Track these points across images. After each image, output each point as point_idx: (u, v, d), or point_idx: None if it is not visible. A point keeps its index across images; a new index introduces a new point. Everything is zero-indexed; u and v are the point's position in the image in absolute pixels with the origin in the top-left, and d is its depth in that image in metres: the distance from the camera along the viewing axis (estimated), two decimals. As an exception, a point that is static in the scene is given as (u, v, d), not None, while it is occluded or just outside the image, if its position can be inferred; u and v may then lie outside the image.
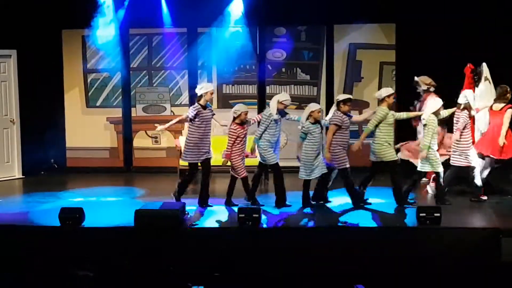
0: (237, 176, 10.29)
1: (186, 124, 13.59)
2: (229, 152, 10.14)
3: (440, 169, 10.18)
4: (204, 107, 10.34)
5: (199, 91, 10.38)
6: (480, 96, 10.68)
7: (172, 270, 7.63)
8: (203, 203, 10.42)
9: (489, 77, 10.82)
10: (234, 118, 10.17)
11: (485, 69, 10.86)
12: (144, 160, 13.86)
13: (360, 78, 13.58)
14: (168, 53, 13.76)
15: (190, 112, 10.32)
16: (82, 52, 13.79)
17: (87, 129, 13.84)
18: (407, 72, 13.03)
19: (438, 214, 8.99)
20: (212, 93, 10.45)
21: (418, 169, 10.29)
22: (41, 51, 13.35)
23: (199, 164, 10.43)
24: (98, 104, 13.89)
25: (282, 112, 10.36)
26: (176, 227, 9.11)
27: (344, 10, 12.98)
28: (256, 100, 13.62)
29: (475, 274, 8.37)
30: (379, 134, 10.14)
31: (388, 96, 10.22)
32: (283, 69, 13.69)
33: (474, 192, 10.49)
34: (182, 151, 10.57)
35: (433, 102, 10.33)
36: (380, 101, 10.26)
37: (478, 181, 10.39)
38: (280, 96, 10.48)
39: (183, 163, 12.14)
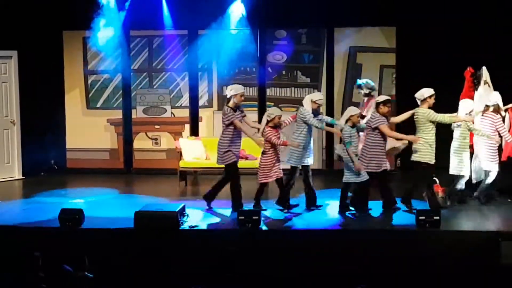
0: (258, 179, 10.10)
1: (187, 126, 13.70)
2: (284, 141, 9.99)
3: (464, 173, 10.18)
4: (235, 109, 10.18)
5: (229, 92, 10.23)
6: (479, 100, 10.66)
7: (172, 272, 7.64)
8: (209, 200, 10.36)
9: (488, 80, 10.81)
10: (268, 122, 10.02)
11: (484, 72, 10.85)
12: (144, 161, 13.87)
13: (360, 81, 13.57)
14: (169, 55, 13.77)
15: (225, 120, 10.12)
16: (83, 53, 13.80)
17: (88, 131, 13.85)
18: (407, 75, 13.07)
19: (438, 217, 9.00)
20: (242, 95, 10.22)
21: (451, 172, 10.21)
22: (42, 52, 13.36)
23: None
24: (98, 105, 13.90)
25: (315, 112, 10.18)
26: (175, 229, 9.12)
27: (345, 13, 12.99)
28: (256, 103, 13.63)
29: (475, 277, 8.38)
30: (421, 135, 10.05)
31: (430, 96, 10.11)
32: (284, 72, 13.69)
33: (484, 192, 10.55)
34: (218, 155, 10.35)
35: (466, 105, 10.28)
36: (422, 101, 10.12)
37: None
38: (314, 95, 10.34)
39: (183, 164, 12.19)
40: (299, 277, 8.39)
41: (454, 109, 10.44)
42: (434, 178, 10.79)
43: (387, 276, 8.43)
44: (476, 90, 10.85)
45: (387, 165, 10.15)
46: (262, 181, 10.14)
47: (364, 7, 12.84)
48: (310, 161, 10.33)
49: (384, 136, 10.02)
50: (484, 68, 10.86)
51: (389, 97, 10.35)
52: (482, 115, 10.46)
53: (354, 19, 13.08)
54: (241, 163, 11.76)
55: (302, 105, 10.26)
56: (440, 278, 8.37)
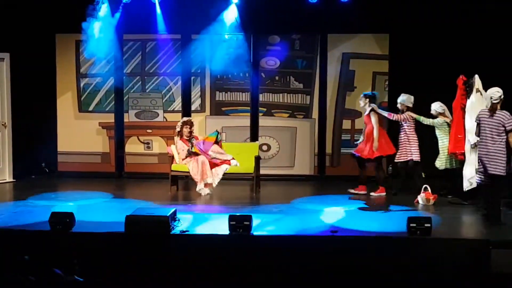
0: None
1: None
2: None
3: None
4: None
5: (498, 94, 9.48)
6: (471, 108, 10.66)
7: (162, 276, 7.63)
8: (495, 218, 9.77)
9: (481, 89, 10.80)
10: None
11: (477, 81, 10.83)
12: (136, 165, 13.84)
13: (353, 88, 13.61)
14: (162, 59, 13.78)
15: (509, 125, 9.34)
16: (76, 56, 13.79)
17: (79, 134, 13.83)
18: (400, 82, 13.09)
19: (429, 225, 8.97)
20: None
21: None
22: (34, 55, 13.35)
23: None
24: (90, 109, 13.88)
25: None
26: (166, 233, 9.09)
27: (338, 19, 13.03)
28: (249, 108, 13.64)
29: (465, 285, 8.38)
30: None
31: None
32: (277, 77, 13.71)
33: None
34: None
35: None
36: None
37: None
38: None
39: (175, 168, 12.13)
40: (288, 283, 8.36)
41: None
42: (425, 185, 10.82)
43: (377, 283, 8.42)
44: (469, 98, 10.86)
45: None
46: None
47: (357, 14, 12.87)
48: None
49: None
50: (476, 76, 10.84)
51: None
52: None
53: (347, 25, 13.10)
54: (231, 169, 11.79)
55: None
56: (430, 286, 8.36)
